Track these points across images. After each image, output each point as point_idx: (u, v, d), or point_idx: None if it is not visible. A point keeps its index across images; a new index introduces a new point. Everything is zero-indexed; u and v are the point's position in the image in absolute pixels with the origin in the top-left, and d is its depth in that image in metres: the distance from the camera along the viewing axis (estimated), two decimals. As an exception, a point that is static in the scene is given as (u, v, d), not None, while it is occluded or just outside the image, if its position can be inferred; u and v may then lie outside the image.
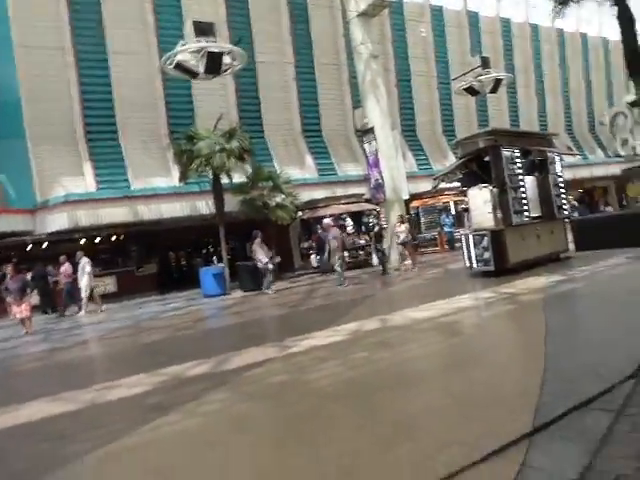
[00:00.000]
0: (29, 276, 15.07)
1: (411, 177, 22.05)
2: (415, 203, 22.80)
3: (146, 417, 4.24)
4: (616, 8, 13.75)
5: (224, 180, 16.15)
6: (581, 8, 19.87)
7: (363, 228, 19.95)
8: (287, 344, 6.55)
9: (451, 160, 22.76)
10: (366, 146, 20.87)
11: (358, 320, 7.52)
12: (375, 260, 16.54)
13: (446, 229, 21.67)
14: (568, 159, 20.79)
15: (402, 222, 15.98)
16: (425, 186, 19.97)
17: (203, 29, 13.86)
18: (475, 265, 11.06)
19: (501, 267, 10.48)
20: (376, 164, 20.37)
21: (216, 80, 16.84)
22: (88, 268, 14.77)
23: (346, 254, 16.96)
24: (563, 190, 12.64)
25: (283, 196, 17.37)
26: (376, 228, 16.61)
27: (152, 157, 19.12)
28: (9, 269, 12.21)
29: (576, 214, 20.88)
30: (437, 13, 26.87)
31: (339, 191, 20.58)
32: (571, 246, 12.54)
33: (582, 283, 8.68)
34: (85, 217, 16.00)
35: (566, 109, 32.57)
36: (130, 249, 20.36)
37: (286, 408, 4.16)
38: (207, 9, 19.45)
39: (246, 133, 17.13)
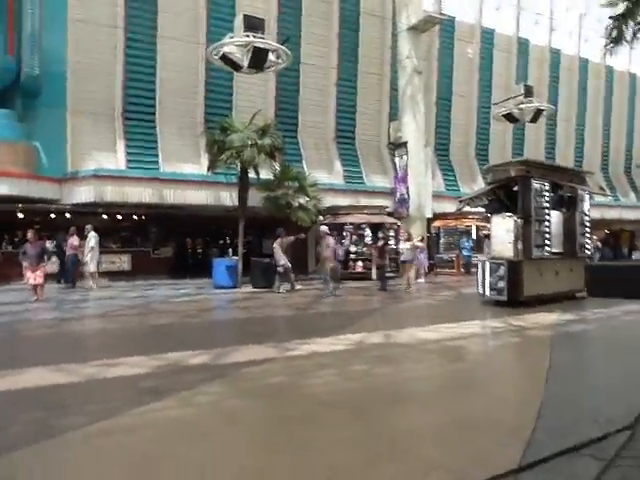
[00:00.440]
0: (49, 244, 15.38)
1: (437, 196, 21.96)
2: (437, 223, 22.65)
3: (141, 399, 4.29)
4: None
5: (251, 175, 16.28)
6: (634, 48, 19.54)
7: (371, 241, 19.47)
8: (289, 346, 6.57)
9: (480, 184, 22.60)
10: (397, 159, 20.85)
11: (363, 332, 7.51)
12: (374, 274, 16.07)
13: (465, 253, 21.46)
14: (599, 198, 20.46)
15: (408, 239, 15.63)
16: (450, 207, 19.84)
17: (253, 24, 14.07)
18: (488, 293, 10.94)
19: (514, 298, 10.34)
20: (404, 179, 20.32)
21: (258, 75, 17.07)
22: (92, 242, 14.91)
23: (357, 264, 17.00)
24: (588, 229, 12.43)
25: (307, 198, 17.42)
26: (380, 242, 15.98)
27: (185, 143, 19.42)
28: (30, 235, 12.39)
29: (598, 255, 20.50)
30: (488, 36, 26.65)
31: (363, 201, 20.56)
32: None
33: (594, 325, 8.52)
34: (111, 193, 16.31)
35: (604, 148, 32.02)
36: (150, 230, 20.68)
37: (280, 409, 4.18)
38: (259, 5, 19.69)
39: (280, 131, 17.28)
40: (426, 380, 5.21)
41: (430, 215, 21.07)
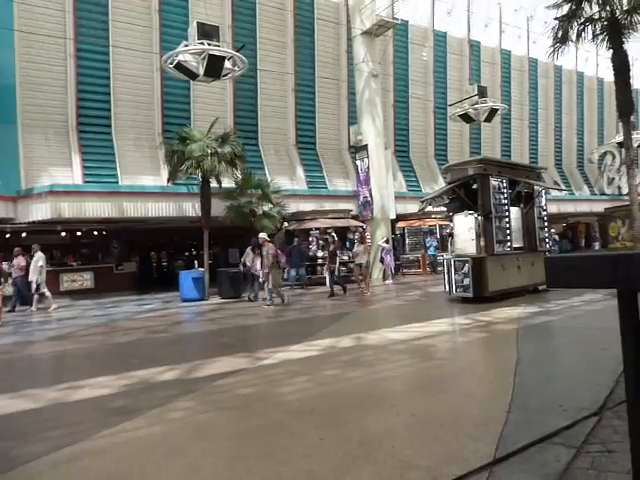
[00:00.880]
0: (5, 265, 14.74)
1: (400, 197, 22.28)
2: (401, 224, 22.92)
3: (109, 420, 4.17)
4: (612, 51, 14.14)
5: (213, 184, 16.09)
6: (580, 48, 20.36)
7: (348, 244, 19.67)
8: (260, 355, 6.50)
9: (441, 184, 23.02)
10: (358, 163, 21.05)
11: (333, 336, 7.50)
12: (327, 280, 15.59)
13: (430, 252, 21.78)
14: (554, 192, 21.15)
15: (362, 242, 15.50)
16: (413, 207, 20.12)
17: (207, 31, 13.95)
18: (454, 290, 11.14)
19: (479, 294, 10.57)
20: (366, 181, 20.53)
21: (215, 83, 16.93)
22: (41, 262, 14.08)
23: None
24: (546, 224, 12.83)
25: (271, 205, 17.34)
26: (331, 247, 15.30)
27: (143, 155, 19.05)
28: None
29: (556, 248, 21.18)
30: (440, 39, 27.31)
31: (327, 205, 20.62)
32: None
33: (557, 316, 8.77)
34: (69, 209, 15.75)
35: (557, 144, 33.24)
36: (112, 245, 20.18)
37: (253, 420, 4.11)
38: (213, 12, 19.50)
39: (239, 139, 17.13)
40: (397, 380, 5.24)
41: (394, 216, 21.34)
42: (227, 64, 14.24)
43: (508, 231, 11.34)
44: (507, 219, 11.37)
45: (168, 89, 19.67)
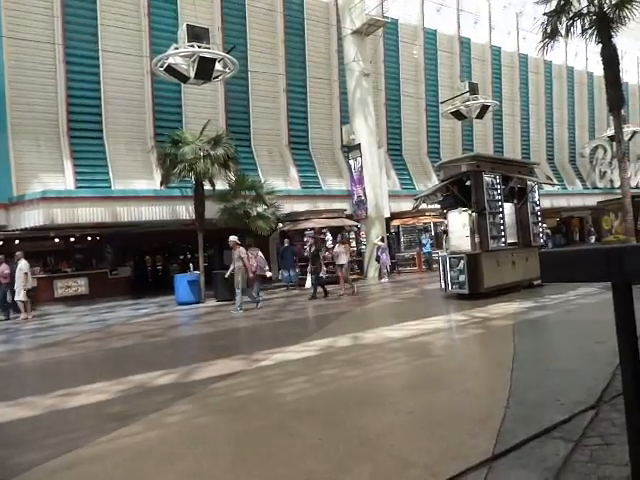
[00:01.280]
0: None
1: (394, 196, 22.28)
2: (396, 222, 22.95)
3: (106, 426, 4.15)
4: (601, 45, 14.19)
5: (206, 187, 16.05)
6: (570, 43, 20.43)
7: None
8: (257, 357, 6.48)
9: (434, 181, 23.04)
10: (351, 162, 21.05)
11: (330, 336, 7.49)
12: (309, 282, 15.36)
13: (425, 250, 21.81)
14: (547, 187, 21.22)
15: (342, 242, 15.36)
16: (407, 205, 20.13)
17: (197, 34, 13.91)
18: (450, 287, 11.16)
19: (475, 291, 10.59)
20: (360, 181, 20.54)
21: (207, 86, 16.90)
22: (25, 269, 13.94)
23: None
24: (540, 219, 12.87)
25: (265, 206, 17.33)
26: (312, 249, 15.16)
27: (135, 158, 18.96)
28: None
29: (550, 243, 21.26)
30: (431, 37, 27.35)
31: (322, 205, 20.62)
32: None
33: (553, 310, 8.79)
34: (62, 215, 15.67)
35: (549, 139, 33.36)
36: (106, 250, 20.07)
37: (251, 422, 4.09)
38: (203, 15, 19.47)
39: (232, 141, 17.09)
40: (394, 378, 5.24)
41: (388, 215, 21.37)
42: (218, 66, 14.19)
43: (502, 227, 11.37)
44: (501, 215, 11.39)
45: (159, 92, 19.60)
